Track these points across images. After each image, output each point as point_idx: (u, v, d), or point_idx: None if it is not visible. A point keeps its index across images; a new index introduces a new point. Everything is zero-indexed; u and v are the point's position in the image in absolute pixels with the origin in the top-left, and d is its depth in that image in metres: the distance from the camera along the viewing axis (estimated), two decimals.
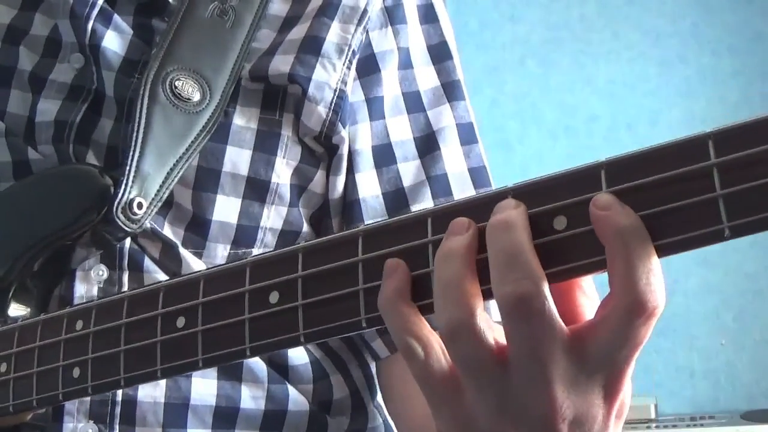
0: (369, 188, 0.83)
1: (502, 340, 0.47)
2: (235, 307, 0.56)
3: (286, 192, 0.81)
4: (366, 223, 0.78)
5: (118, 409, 0.75)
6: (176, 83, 0.78)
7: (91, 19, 0.81)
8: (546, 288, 0.45)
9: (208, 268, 0.59)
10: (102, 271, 0.78)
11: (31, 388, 0.67)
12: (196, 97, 0.78)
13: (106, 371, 0.62)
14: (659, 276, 0.45)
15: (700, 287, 2.92)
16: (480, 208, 0.49)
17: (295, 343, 0.54)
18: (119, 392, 0.75)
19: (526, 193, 0.48)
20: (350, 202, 0.83)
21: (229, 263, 0.58)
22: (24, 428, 0.74)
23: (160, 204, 0.76)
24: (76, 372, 0.64)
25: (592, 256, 0.46)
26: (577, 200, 0.46)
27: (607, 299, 0.46)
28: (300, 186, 0.83)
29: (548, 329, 0.45)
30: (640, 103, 2.99)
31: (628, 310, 0.45)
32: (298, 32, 0.83)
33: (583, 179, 0.46)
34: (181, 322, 0.58)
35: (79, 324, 0.64)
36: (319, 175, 0.83)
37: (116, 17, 0.83)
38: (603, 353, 0.46)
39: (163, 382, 0.76)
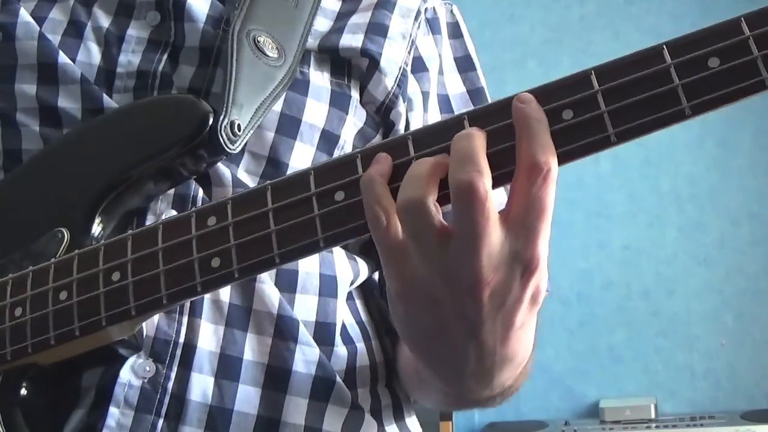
0: None
1: (445, 224, 0.59)
2: None
3: (348, 149, 0.87)
4: None
5: (178, 351, 0.76)
6: (258, 38, 0.84)
7: None
8: (489, 181, 0.57)
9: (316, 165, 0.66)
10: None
11: (157, 287, 0.67)
12: (274, 54, 0.84)
13: (255, 253, 0.64)
14: (549, 146, 0.58)
15: (700, 287, 2.93)
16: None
17: None
18: (182, 336, 0.76)
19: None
20: None
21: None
22: (119, 344, 0.74)
23: (252, 131, 0.80)
24: (215, 262, 0.66)
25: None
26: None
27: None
28: (358, 147, 0.87)
29: (485, 211, 0.56)
30: None
31: (528, 174, 0.57)
32: (359, 18, 0.91)
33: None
34: (339, 195, 0.63)
35: (212, 220, 0.67)
36: (377, 139, 0.90)
37: None
38: (518, 220, 0.58)
39: (221, 333, 0.77)
